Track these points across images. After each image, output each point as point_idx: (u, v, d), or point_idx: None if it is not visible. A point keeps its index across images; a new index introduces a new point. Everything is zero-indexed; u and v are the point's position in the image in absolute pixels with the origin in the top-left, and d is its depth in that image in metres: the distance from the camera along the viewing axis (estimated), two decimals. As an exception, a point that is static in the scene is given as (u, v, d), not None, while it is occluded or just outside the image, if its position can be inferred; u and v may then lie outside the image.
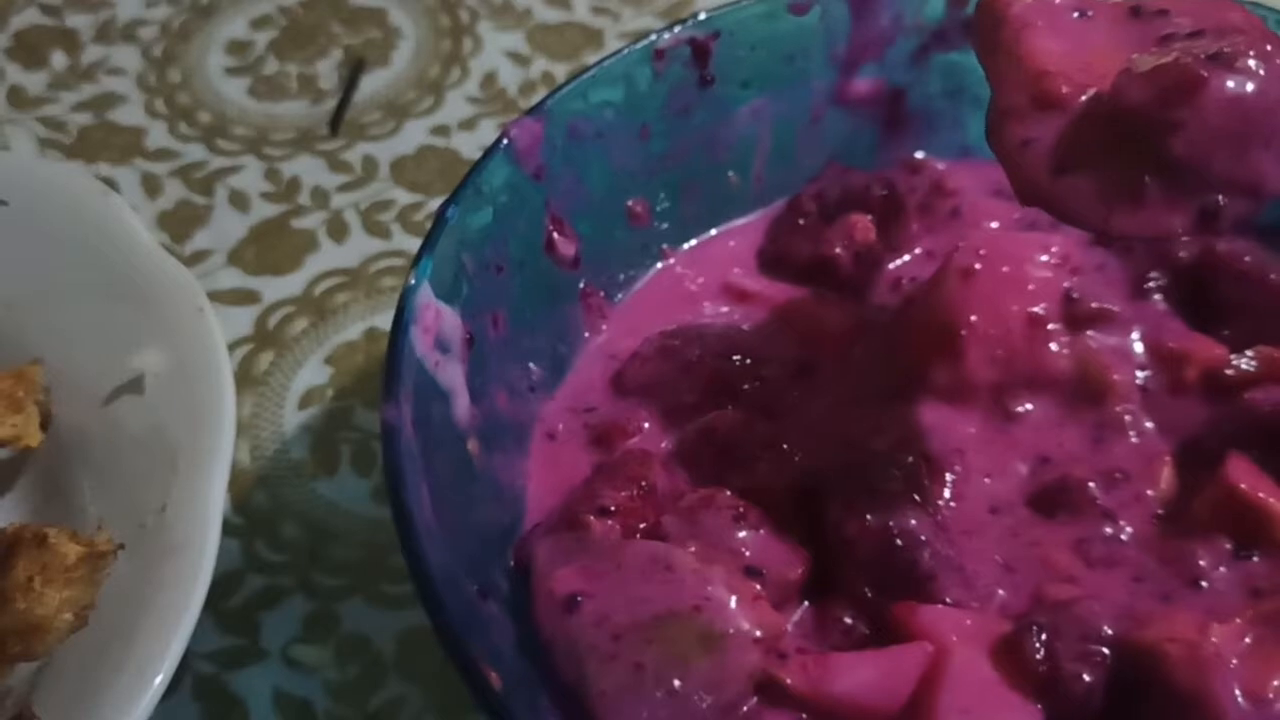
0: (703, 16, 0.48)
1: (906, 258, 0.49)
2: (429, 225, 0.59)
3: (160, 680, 0.38)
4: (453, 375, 0.41)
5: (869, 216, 0.49)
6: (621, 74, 0.47)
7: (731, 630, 0.37)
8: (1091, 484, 0.42)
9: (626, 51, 0.47)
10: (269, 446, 0.52)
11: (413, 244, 0.60)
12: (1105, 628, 0.37)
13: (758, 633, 0.37)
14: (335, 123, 0.65)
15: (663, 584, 0.37)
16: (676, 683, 0.36)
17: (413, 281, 0.40)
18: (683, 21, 0.48)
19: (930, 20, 0.51)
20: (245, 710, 0.45)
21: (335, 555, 0.49)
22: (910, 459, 0.41)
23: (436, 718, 0.45)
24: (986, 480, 0.43)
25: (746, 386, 0.44)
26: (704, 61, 0.49)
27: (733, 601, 0.38)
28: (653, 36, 0.48)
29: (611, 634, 0.37)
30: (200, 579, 0.40)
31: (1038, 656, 0.36)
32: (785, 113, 0.51)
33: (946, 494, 0.42)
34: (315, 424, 0.53)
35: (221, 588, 0.47)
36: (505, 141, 0.44)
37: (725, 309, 0.49)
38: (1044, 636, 0.37)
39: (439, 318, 0.41)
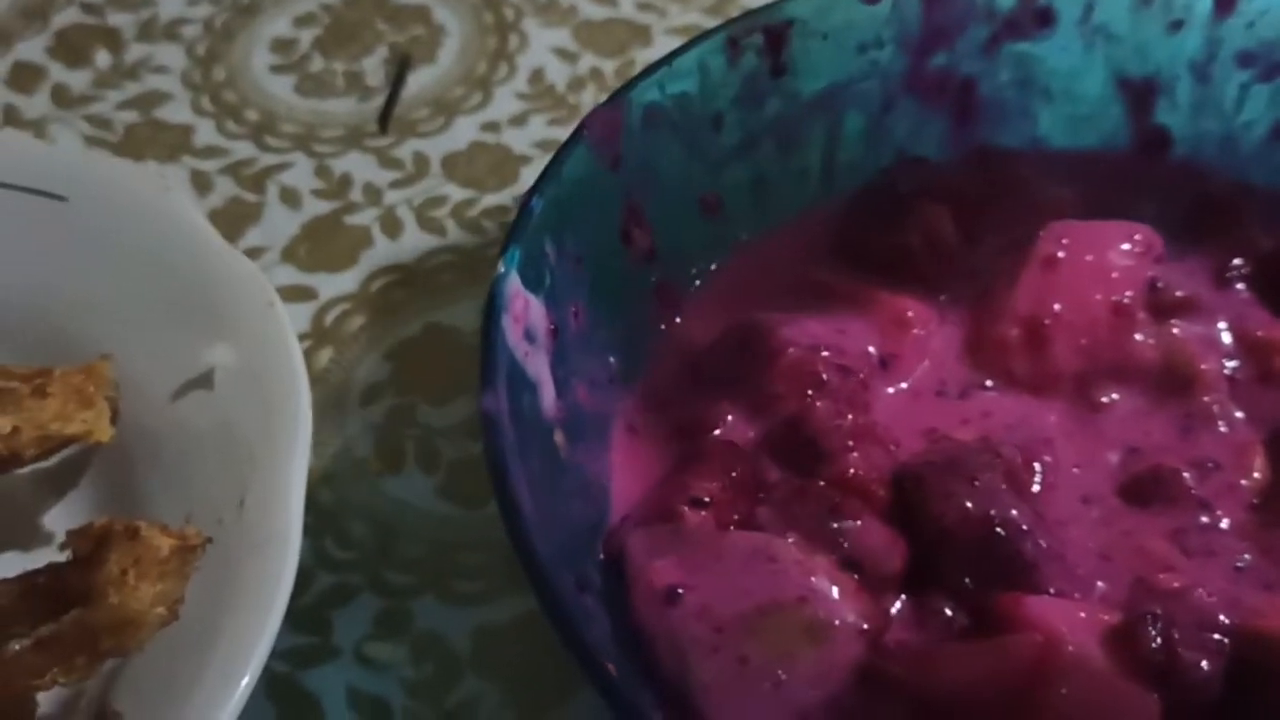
0: (775, 4, 0.48)
1: (983, 247, 0.49)
2: (484, 221, 0.60)
3: (247, 682, 0.37)
4: (540, 366, 0.40)
5: (945, 207, 0.48)
6: (696, 64, 0.47)
7: (837, 622, 0.36)
8: (1187, 474, 0.41)
9: (702, 41, 0.47)
10: (332, 444, 0.51)
11: (469, 240, 0.59)
12: (1221, 616, 0.36)
13: (864, 624, 0.37)
14: (384, 119, 0.64)
15: (765, 575, 0.37)
16: (782, 675, 0.36)
17: (502, 270, 0.39)
18: (756, 10, 0.48)
19: (1001, 9, 0.50)
20: (321, 709, 0.44)
21: (404, 552, 0.48)
22: (1004, 448, 0.41)
23: (515, 715, 0.44)
24: (1076, 470, 0.43)
25: (828, 378, 0.44)
26: (777, 50, 0.48)
27: (836, 592, 0.37)
28: (727, 26, 0.47)
29: (714, 626, 0.36)
30: (285, 575, 0.40)
31: (1154, 645, 0.36)
32: (856, 102, 0.50)
33: (1037, 484, 0.42)
34: (378, 421, 0.52)
35: (292, 586, 0.47)
36: (585, 131, 0.44)
37: (800, 301, 0.48)
38: (1159, 625, 0.36)
39: (527, 307, 0.40)
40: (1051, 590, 0.38)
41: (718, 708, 0.35)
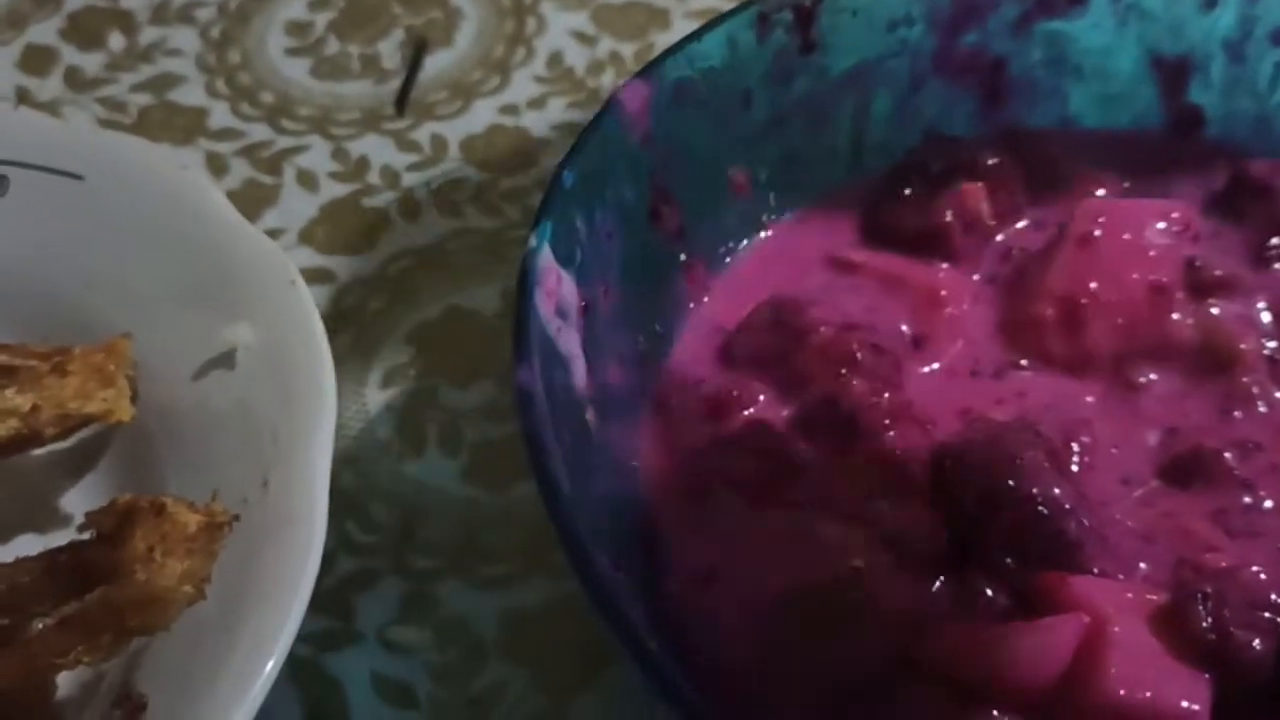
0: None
1: (1016, 227, 0.48)
2: (503, 204, 0.59)
3: (272, 665, 0.37)
4: (571, 343, 0.40)
5: (979, 185, 0.47)
6: (726, 39, 0.46)
7: (878, 602, 0.36)
8: (1228, 454, 0.41)
9: (731, 17, 0.46)
10: (353, 426, 0.51)
11: (487, 222, 0.58)
12: (1273, 594, 0.36)
13: (904, 606, 0.36)
14: (401, 102, 0.64)
15: (804, 555, 0.36)
16: (822, 656, 0.35)
17: (534, 244, 0.39)
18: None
19: (1033, -14, 0.50)
20: (344, 693, 0.44)
21: (428, 536, 0.48)
22: (1043, 428, 0.40)
23: (542, 699, 0.43)
24: (1114, 450, 0.42)
25: (862, 356, 0.43)
26: (806, 26, 0.47)
27: (877, 573, 0.36)
28: (756, 1, 0.47)
29: (752, 606, 0.36)
30: (311, 556, 0.39)
31: (1204, 625, 0.35)
32: (886, 81, 0.50)
33: (1075, 465, 0.41)
34: (399, 403, 0.52)
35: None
36: (615, 104, 0.43)
37: (830, 280, 0.47)
38: (1210, 604, 0.35)
39: (560, 283, 0.39)
40: (1095, 570, 0.37)
41: (755, 688, 0.35)
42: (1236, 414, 0.43)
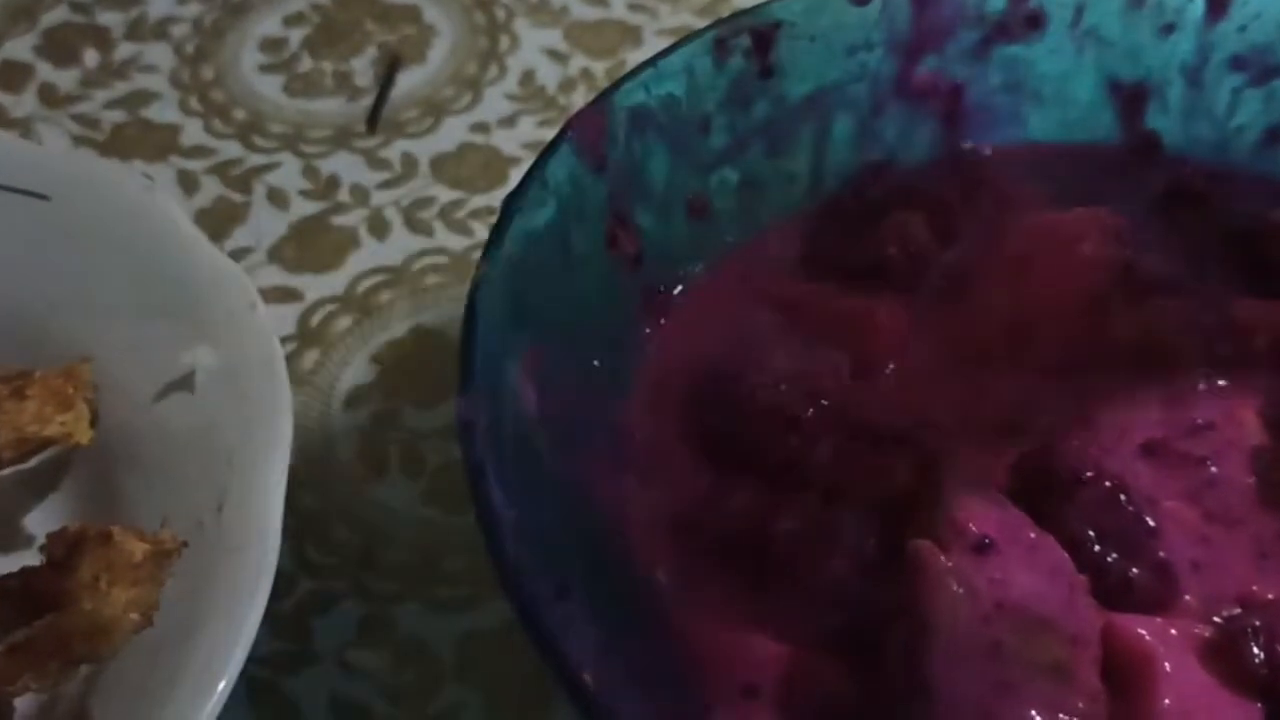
0: (763, 6, 0.48)
1: (958, 249, 0.48)
2: (472, 222, 0.60)
3: (223, 686, 0.37)
4: (521, 371, 0.40)
5: (919, 214, 0.48)
6: (683, 65, 0.46)
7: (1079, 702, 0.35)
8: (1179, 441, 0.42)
9: (689, 42, 0.46)
10: (316, 447, 0.51)
11: (457, 241, 0.59)
12: None
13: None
14: (373, 120, 0.64)
15: (1062, 595, 0.36)
16: (1016, 682, 0.35)
17: (483, 273, 0.39)
18: (744, 12, 0.47)
19: (992, 12, 0.50)
20: (301, 715, 0.44)
21: (388, 558, 0.48)
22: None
23: (497, 722, 0.44)
24: None
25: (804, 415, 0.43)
26: (765, 52, 0.48)
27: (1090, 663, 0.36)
28: (714, 27, 0.47)
29: (997, 602, 0.36)
30: (263, 579, 0.39)
31: (1257, 661, 0.35)
32: (846, 105, 0.50)
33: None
34: (363, 424, 0.52)
35: (273, 590, 0.46)
36: (569, 133, 0.43)
37: (772, 318, 0.47)
38: (1262, 639, 0.36)
39: (509, 311, 0.40)
40: (1161, 554, 0.38)
41: (945, 671, 0.35)
42: (1186, 403, 0.43)
